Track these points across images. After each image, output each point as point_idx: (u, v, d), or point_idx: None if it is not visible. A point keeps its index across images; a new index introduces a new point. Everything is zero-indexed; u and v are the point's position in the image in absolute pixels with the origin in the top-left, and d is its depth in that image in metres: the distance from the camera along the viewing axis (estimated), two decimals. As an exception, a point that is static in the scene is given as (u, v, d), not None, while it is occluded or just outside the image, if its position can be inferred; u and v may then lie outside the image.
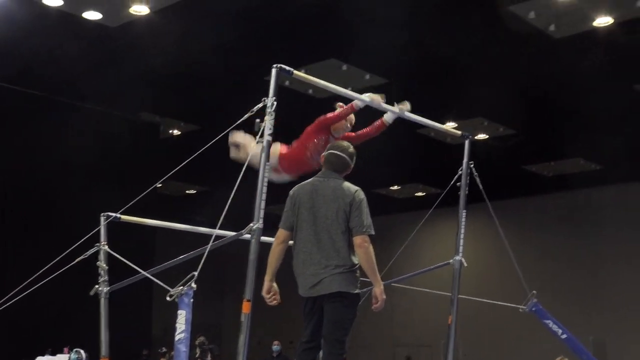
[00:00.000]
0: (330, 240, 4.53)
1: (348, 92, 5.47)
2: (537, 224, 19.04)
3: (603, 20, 9.84)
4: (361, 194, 4.62)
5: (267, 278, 4.60)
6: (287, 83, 10.30)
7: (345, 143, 4.90)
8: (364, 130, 5.65)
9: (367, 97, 5.38)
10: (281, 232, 4.67)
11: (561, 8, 9.51)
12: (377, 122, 5.64)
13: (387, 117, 5.62)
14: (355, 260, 4.53)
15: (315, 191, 4.65)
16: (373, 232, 4.56)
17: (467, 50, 10.95)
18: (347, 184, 4.68)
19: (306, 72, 11.28)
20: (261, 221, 4.41)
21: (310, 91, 11.86)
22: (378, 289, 4.58)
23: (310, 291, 4.53)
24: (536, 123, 13.84)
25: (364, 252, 4.50)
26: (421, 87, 11.79)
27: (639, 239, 17.61)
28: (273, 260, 4.61)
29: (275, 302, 4.60)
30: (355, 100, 5.36)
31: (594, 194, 18.47)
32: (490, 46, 10.72)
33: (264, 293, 4.56)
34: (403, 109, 5.58)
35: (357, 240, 4.52)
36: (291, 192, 4.73)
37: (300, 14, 9.83)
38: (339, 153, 4.77)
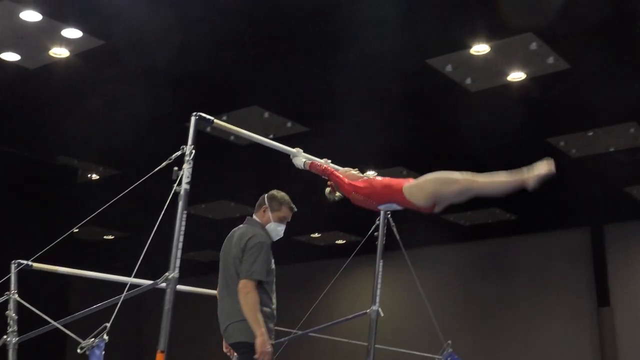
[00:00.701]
0: (229, 289, 4.56)
1: (266, 140, 5.53)
2: (454, 273, 19.32)
3: (516, 75, 10.18)
4: (257, 239, 4.62)
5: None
6: (208, 129, 10.27)
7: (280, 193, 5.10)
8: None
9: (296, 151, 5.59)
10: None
11: (477, 62, 9.81)
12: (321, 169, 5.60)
13: (298, 162, 5.64)
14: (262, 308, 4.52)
15: (229, 238, 4.76)
16: (258, 278, 4.47)
17: (387, 101, 11.15)
18: (251, 229, 4.73)
19: (228, 119, 11.48)
20: (177, 270, 4.35)
21: (232, 137, 11.86)
22: (259, 340, 4.37)
23: (226, 339, 4.67)
24: (453, 173, 14.12)
25: (242, 297, 4.42)
26: (341, 137, 11.94)
27: (552, 288, 18.06)
28: None
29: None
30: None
31: (509, 243, 18.90)
32: (407, 97, 10.94)
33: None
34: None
35: (239, 285, 4.48)
36: None
37: (222, 61, 9.88)
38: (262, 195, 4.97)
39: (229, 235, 4.78)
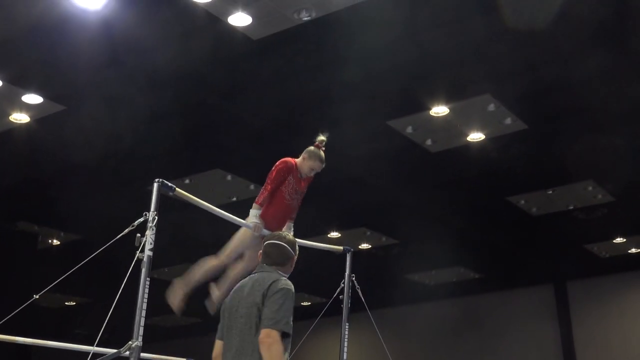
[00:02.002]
0: (242, 344, 3.78)
1: (225, 214, 5.50)
2: (421, 332, 19.23)
3: (476, 136, 10.35)
4: (281, 284, 3.85)
5: None
6: (170, 194, 10.23)
7: (284, 233, 4.40)
8: None
9: (251, 223, 5.53)
10: (216, 344, 4.08)
11: (437, 124, 9.95)
12: None
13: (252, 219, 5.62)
14: None
15: (238, 289, 4.04)
16: (287, 330, 3.69)
17: (350, 163, 11.24)
18: (272, 275, 3.97)
19: (191, 182, 11.46)
20: (140, 338, 4.27)
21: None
22: None
23: None
24: (416, 233, 14.23)
25: (265, 349, 3.62)
26: (304, 199, 11.94)
27: (520, 345, 18.05)
28: None
29: None
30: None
31: (474, 301, 18.92)
32: (369, 159, 11.03)
33: None
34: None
35: (261, 334, 3.66)
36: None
37: (185, 125, 9.92)
38: (276, 242, 4.18)
39: (236, 289, 4.09)
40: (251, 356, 3.72)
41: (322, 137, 5.78)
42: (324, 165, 5.75)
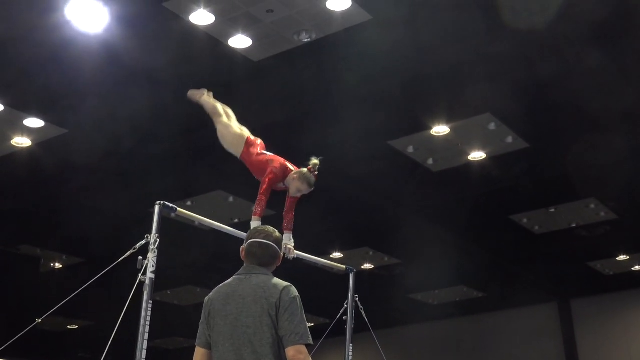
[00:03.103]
0: (254, 356, 3.54)
1: (225, 227, 5.52)
2: (425, 351, 19.16)
3: (477, 155, 10.36)
4: (292, 291, 3.68)
5: None
6: (173, 215, 10.24)
7: (270, 229, 3.97)
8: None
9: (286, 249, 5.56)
10: (198, 351, 3.75)
11: (438, 143, 9.97)
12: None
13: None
14: None
15: (233, 293, 3.71)
16: (311, 342, 3.58)
17: (352, 183, 11.24)
18: (274, 280, 3.74)
19: (193, 204, 11.41)
20: (144, 362, 4.27)
21: (197, 223, 11.80)
22: None
23: None
24: (419, 252, 14.20)
25: None
26: (306, 219, 11.93)
27: (522, 364, 17.98)
28: None
29: None
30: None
31: (478, 320, 18.85)
32: (370, 178, 11.04)
33: None
34: (290, 252, 5.71)
35: (290, 352, 3.50)
36: (206, 298, 3.81)
37: (186, 148, 9.95)
38: (263, 241, 3.84)
39: (227, 291, 3.74)
40: None
41: (315, 161, 5.75)
42: (312, 189, 5.73)
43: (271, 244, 3.83)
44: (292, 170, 5.71)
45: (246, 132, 6.12)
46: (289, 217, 5.89)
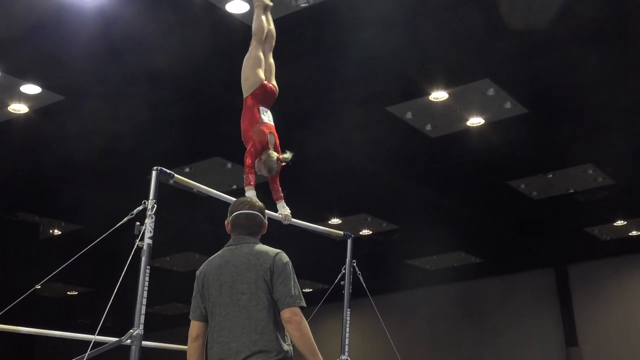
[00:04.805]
0: (249, 322, 3.62)
1: (223, 196, 5.53)
2: (422, 317, 19.31)
3: (475, 121, 10.34)
4: (284, 257, 3.79)
5: None
6: (171, 182, 10.24)
7: (253, 198, 4.14)
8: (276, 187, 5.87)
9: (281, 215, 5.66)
10: (193, 325, 3.83)
11: (436, 109, 9.94)
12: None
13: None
14: (286, 345, 3.65)
15: (226, 264, 3.78)
16: (304, 304, 3.70)
17: (350, 149, 11.23)
18: (264, 247, 3.85)
19: (191, 170, 11.43)
20: (142, 327, 4.29)
21: (195, 190, 11.81)
22: None
23: None
24: (417, 218, 14.24)
25: (295, 328, 3.61)
26: (304, 186, 11.98)
27: (521, 329, 18.12)
28: None
29: None
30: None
31: (475, 286, 18.98)
32: (368, 145, 11.02)
33: None
34: (285, 218, 5.72)
35: (286, 314, 3.62)
36: (197, 271, 3.90)
37: (183, 114, 9.91)
38: (249, 212, 3.95)
39: (220, 262, 3.82)
40: (262, 334, 3.60)
41: (287, 155, 5.72)
42: (266, 175, 5.69)
43: (257, 213, 3.97)
44: (269, 149, 5.61)
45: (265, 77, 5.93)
46: (275, 188, 5.91)
